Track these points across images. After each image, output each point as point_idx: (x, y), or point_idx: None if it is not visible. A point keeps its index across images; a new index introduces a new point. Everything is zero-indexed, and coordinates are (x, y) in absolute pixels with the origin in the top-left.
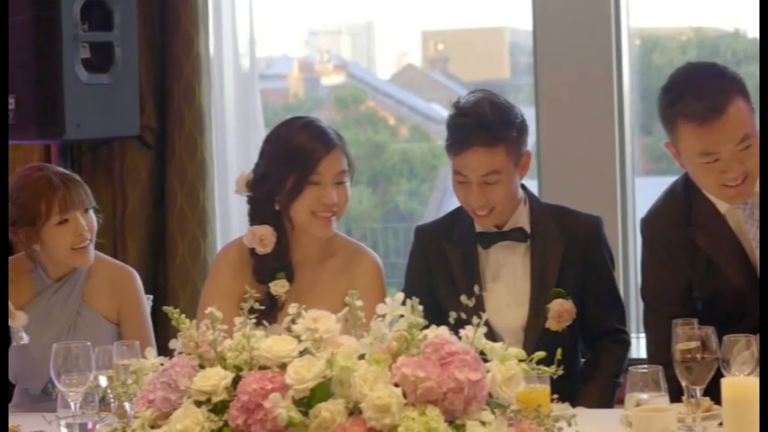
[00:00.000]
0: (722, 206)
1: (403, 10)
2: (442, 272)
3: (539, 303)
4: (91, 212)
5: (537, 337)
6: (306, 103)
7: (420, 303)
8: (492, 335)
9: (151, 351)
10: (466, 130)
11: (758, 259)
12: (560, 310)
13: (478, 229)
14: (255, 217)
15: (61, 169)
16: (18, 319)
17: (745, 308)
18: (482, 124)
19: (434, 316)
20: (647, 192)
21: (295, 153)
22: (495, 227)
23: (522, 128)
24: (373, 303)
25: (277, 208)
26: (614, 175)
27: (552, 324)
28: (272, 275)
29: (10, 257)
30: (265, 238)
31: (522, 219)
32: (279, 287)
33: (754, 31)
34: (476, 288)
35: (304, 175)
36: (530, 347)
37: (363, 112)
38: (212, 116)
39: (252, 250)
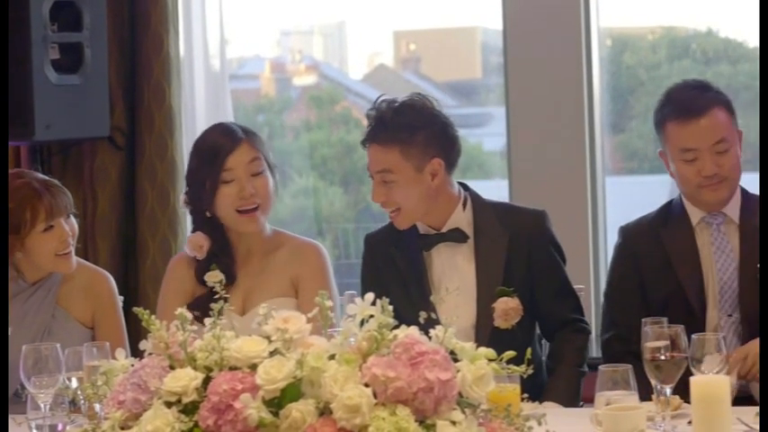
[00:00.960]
0: (694, 218)
1: (375, 10)
2: (392, 277)
3: (485, 302)
4: (72, 218)
5: (488, 336)
6: (277, 103)
7: None
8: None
9: (121, 352)
10: (369, 126)
11: (711, 279)
12: (506, 309)
13: (421, 231)
14: (194, 225)
15: (41, 175)
16: None
17: (692, 320)
18: (380, 122)
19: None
20: (617, 191)
21: (206, 154)
22: (432, 228)
23: (431, 135)
24: (319, 288)
25: (208, 214)
26: (585, 175)
27: (500, 322)
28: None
29: None
30: (201, 245)
31: (459, 219)
32: (212, 278)
33: (725, 31)
34: (432, 298)
35: (215, 175)
36: (481, 346)
37: (337, 112)
38: (182, 117)
39: (194, 258)
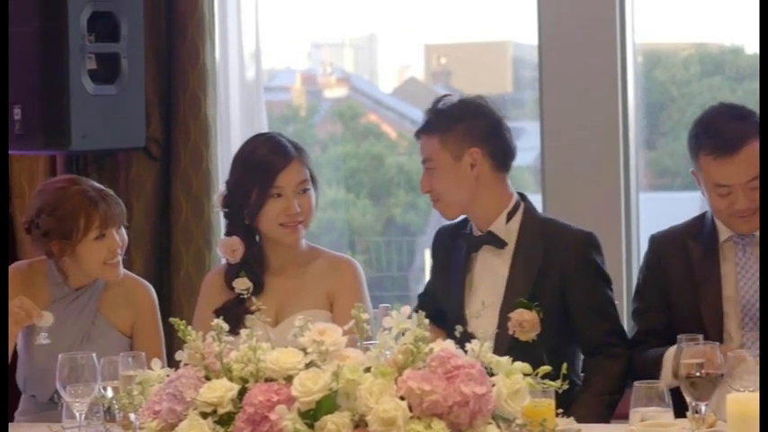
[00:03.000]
0: (723, 236)
1: (406, 23)
2: (442, 269)
3: (506, 312)
4: (123, 229)
5: (506, 346)
6: (308, 115)
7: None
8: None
9: (157, 362)
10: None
11: (733, 297)
12: (520, 320)
13: (474, 233)
14: (229, 230)
15: (96, 184)
16: (45, 319)
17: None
18: (428, 113)
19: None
20: (650, 207)
21: (255, 168)
22: (479, 230)
23: (473, 126)
24: (353, 303)
25: (247, 222)
26: (618, 191)
27: (519, 334)
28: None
29: (29, 260)
30: (235, 249)
31: (500, 225)
32: (240, 284)
33: (755, 47)
34: (482, 302)
35: (265, 188)
36: (497, 355)
37: (367, 124)
38: (218, 128)
39: (227, 262)
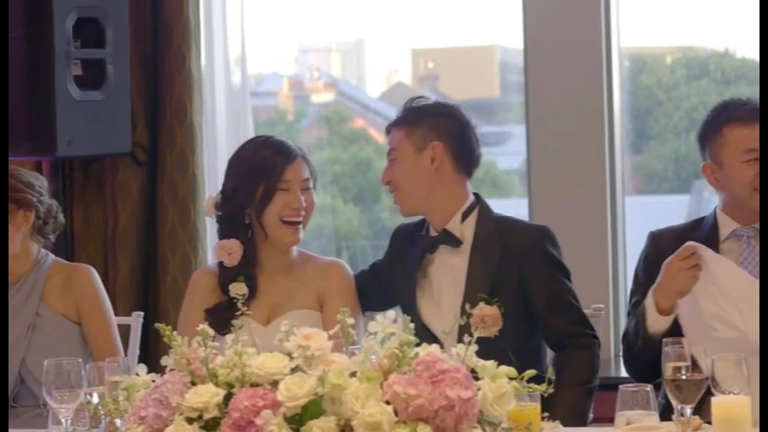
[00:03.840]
0: (724, 232)
1: (393, 28)
2: (399, 270)
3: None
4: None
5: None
6: (295, 120)
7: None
8: (431, 337)
9: (143, 368)
10: None
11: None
12: (481, 315)
13: (431, 233)
14: (225, 233)
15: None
16: None
17: None
18: (400, 109)
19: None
20: (637, 211)
21: (261, 165)
22: (436, 230)
23: (440, 123)
24: (344, 304)
25: (247, 221)
26: (605, 194)
27: (481, 330)
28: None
29: None
30: (233, 252)
31: (455, 224)
32: (237, 289)
33: (743, 51)
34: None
35: (273, 182)
36: None
37: (354, 129)
38: (204, 133)
39: (220, 264)
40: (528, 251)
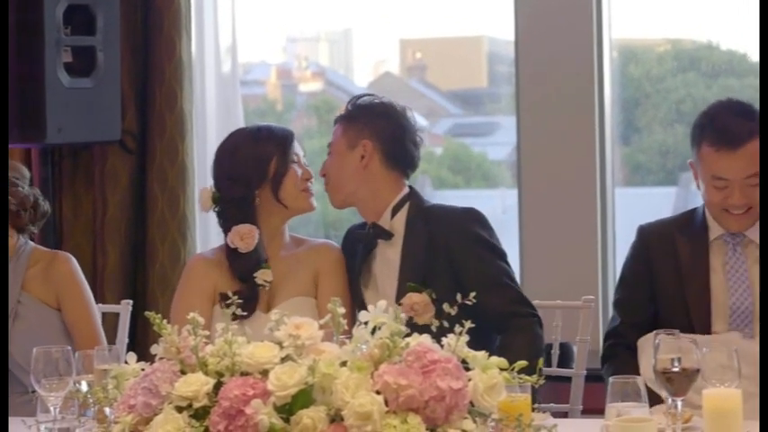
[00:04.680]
0: (713, 233)
1: (381, 18)
2: (351, 267)
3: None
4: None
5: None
6: (283, 109)
7: None
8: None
9: (132, 356)
10: None
11: (721, 297)
12: (410, 303)
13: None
14: (232, 220)
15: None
16: None
17: (689, 327)
18: (346, 104)
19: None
20: (625, 202)
21: (267, 140)
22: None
23: (374, 123)
24: (337, 281)
25: (257, 202)
26: (594, 186)
27: (416, 318)
28: (255, 269)
29: None
30: (246, 236)
31: (385, 219)
32: (265, 275)
33: (730, 44)
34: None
35: (285, 153)
36: None
37: None
38: (194, 121)
39: (232, 252)
40: (455, 235)
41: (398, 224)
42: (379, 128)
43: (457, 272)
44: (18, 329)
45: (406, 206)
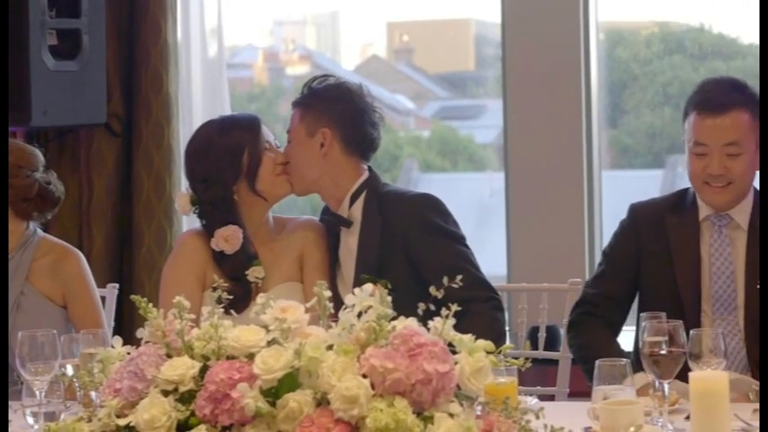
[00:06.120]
0: (702, 213)
1: (368, 0)
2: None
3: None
4: None
5: None
6: (270, 92)
7: None
8: None
9: (118, 340)
10: None
11: (707, 278)
12: None
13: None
14: (214, 221)
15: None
16: None
17: (682, 316)
18: (302, 88)
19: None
20: (611, 185)
21: (238, 139)
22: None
23: (332, 109)
24: (321, 257)
25: (236, 198)
26: (581, 169)
27: None
28: (245, 268)
29: None
30: (231, 237)
31: (345, 207)
32: (257, 273)
33: (719, 27)
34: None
35: (256, 142)
36: None
37: None
38: (180, 104)
39: (219, 255)
40: (409, 222)
41: (356, 212)
42: (336, 114)
43: (414, 261)
44: (19, 322)
45: (364, 194)
